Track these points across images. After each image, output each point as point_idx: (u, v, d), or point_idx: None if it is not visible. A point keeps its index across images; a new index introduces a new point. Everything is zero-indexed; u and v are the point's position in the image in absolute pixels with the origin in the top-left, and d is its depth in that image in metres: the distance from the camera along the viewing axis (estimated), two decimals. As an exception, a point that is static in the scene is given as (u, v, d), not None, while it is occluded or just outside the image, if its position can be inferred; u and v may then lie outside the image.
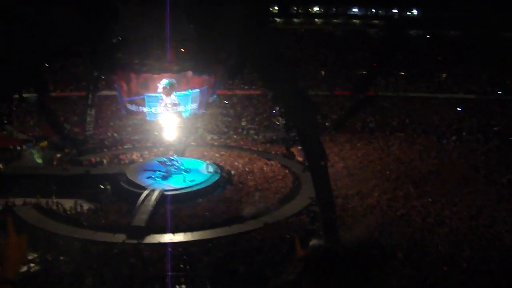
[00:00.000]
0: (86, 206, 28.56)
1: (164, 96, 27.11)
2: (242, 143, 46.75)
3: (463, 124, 47.68)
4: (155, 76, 26.48)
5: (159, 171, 33.65)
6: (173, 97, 27.28)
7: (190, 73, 26.61)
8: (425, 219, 25.05)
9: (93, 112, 45.79)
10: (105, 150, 44.03)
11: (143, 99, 27.34)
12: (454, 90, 53.39)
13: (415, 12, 70.60)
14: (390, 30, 63.15)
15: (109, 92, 49.70)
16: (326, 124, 49.48)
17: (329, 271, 2.07)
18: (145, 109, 27.73)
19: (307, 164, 22.45)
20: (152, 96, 27.01)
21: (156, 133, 46.05)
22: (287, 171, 35.12)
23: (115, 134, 49.61)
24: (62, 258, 20.28)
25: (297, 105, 21.13)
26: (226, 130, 51.47)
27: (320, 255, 2.15)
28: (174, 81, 26.53)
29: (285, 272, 2.14)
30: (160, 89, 26.66)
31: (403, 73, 55.60)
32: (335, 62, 58.95)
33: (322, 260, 2.12)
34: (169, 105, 27.46)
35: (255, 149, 43.60)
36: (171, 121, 32.08)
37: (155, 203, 26.51)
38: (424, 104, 51.68)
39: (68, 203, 28.62)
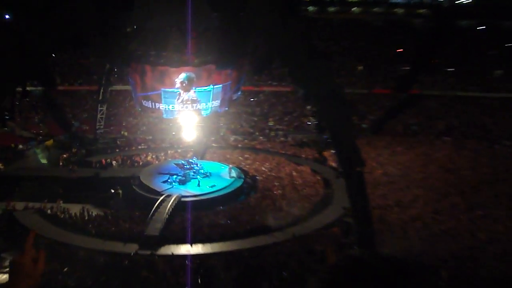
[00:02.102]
0: (94, 212, 29.02)
1: (182, 92, 27.36)
2: (269, 145, 47.02)
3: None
4: (173, 69, 26.57)
5: (176, 175, 34.06)
6: (193, 93, 27.47)
7: (212, 66, 26.74)
8: (475, 235, 24.32)
9: (104, 108, 46.61)
10: (117, 150, 44.86)
11: (159, 95, 27.59)
12: (510, 89, 52.14)
13: (466, -1, 68.80)
14: (438, 20, 62.18)
15: (122, 86, 50.57)
16: (363, 125, 49.29)
17: (359, 282, 2.06)
18: (162, 106, 27.96)
19: (341, 170, 22.35)
20: (169, 92, 27.23)
21: (174, 133, 46.63)
22: (318, 177, 35.12)
23: (127, 134, 50.52)
24: (66, 269, 20.25)
25: (331, 104, 21.09)
26: (251, 130, 51.78)
27: (352, 264, 2.15)
28: (193, 75, 26.69)
29: (311, 280, 2.13)
30: (178, 84, 26.90)
31: (452, 70, 54.79)
32: (375, 56, 58.64)
33: (353, 270, 2.11)
34: (188, 102, 27.67)
35: (283, 152, 43.74)
36: (190, 120, 32.38)
37: (171, 210, 26.82)
38: (475, 105, 50.81)
39: (75, 209, 29.09)
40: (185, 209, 27.50)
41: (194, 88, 27.23)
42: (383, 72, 56.37)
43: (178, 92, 27.27)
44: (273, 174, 36.23)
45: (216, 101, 28.97)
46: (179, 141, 43.17)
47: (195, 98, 27.70)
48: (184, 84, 26.89)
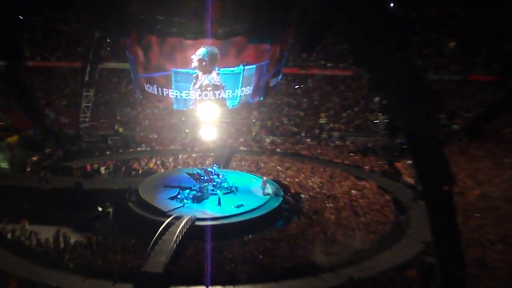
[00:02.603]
0: (73, 239, 29.25)
1: (201, 74, 27.51)
2: (319, 151, 47.20)
3: None
4: (189, 42, 26.58)
5: (190, 189, 34.49)
6: (215, 76, 27.51)
7: (242, 39, 26.81)
8: None
9: (91, 94, 47.37)
10: (108, 153, 45.65)
11: (168, 78, 27.80)
12: None
13: None
14: None
15: (116, 64, 51.44)
16: (454, 126, 48.81)
17: None
18: (172, 93, 28.27)
19: (420, 188, 22.26)
20: (183, 73, 27.41)
21: (187, 131, 47.14)
22: (388, 197, 35.01)
23: (122, 130, 51.24)
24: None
25: (409, 95, 21.02)
26: (295, 130, 52.10)
27: None
28: (217, 51, 26.82)
29: None
30: (195, 63, 27.06)
31: None
32: (474, 28, 57.71)
33: None
34: (208, 88, 27.83)
35: (339, 161, 43.81)
36: (211, 113, 32.31)
37: (181, 238, 27.09)
38: None
39: (46, 233, 29.23)
40: (201, 237, 27.64)
41: (217, 69, 27.43)
42: (485, 51, 55.54)
43: (194, 74, 27.35)
44: (325, 191, 36.27)
45: (248, 87, 29.02)
46: (195, 142, 43.69)
47: (219, 83, 27.70)
48: (203, 63, 26.87)
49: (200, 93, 27.86)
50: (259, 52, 28.02)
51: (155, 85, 28.63)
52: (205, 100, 28.19)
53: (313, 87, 57.20)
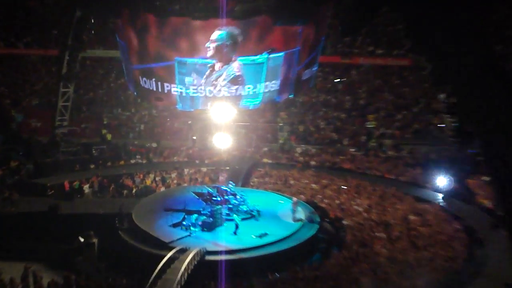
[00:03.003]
0: (47, 278, 29.11)
1: (219, 65, 27.61)
2: (366, 164, 47.30)
3: None
4: (197, 23, 26.74)
5: (198, 213, 34.54)
6: (236, 66, 27.62)
7: (265, 19, 26.92)
8: None
9: (70, 90, 47.50)
10: (92, 166, 45.87)
11: (170, 69, 28.11)
12: None
13: None
14: None
15: (103, 52, 51.71)
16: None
17: None
18: (174, 89, 28.52)
19: (500, 213, 22.17)
20: (190, 64, 27.66)
21: (195, 138, 47.21)
22: (457, 225, 34.84)
23: (111, 137, 51.51)
24: None
25: (485, 90, 20.94)
26: (334, 136, 52.10)
27: None
28: (238, 31, 26.79)
29: None
30: (211, 51, 27.02)
31: None
32: None
33: None
34: (223, 82, 27.96)
35: (393, 177, 43.68)
36: (226, 115, 32.49)
37: (187, 277, 27.09)
38: None
39: (12, 271, 29.11)
40: (213, 276, 27.59)
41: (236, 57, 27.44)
42: None
43: (210, 65, 27.57)
44: (374, 217, 36.16)
45: (273, 82, 29.11)
46: (204, 152, 43.68)
47: (237, 75, 27.82)
48: (219, 50, 26.89)
49: (213, 89, 27.88)
50: (288, 35, 28.10)
51: (153, 79, 28.85)
52: (219, 98, 28.19)
53: (358, 80, 57.28)
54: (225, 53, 26.55)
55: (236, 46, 26.46)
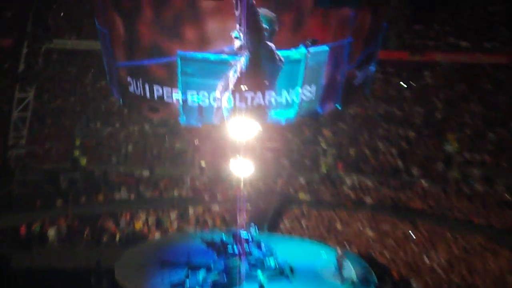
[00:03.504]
0: None
1: (240, 62, 27.41)
2: (444, 202, 46.92)
3: None
4: (208, 2, 26.65)
5: (207, 268, 34.53)
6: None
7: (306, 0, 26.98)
8: None
9: (30, 95, 47.71)
10: (60, 202, 45.88)
11: (170, 68, 28.01)
12: None
13: None
14: None
15: (76, 43, 52.04)
16: None
17: None
18: (176, 96, 28.61)
19: None
20: (199, 61, 27.64)
21: (203, 165, 47.35)
22: None
23: (86, 161, 51.68)
24: None
25: None
26: (399, 164, 51.97)
27: None
28: (272, 14, 26.37)
29: None
30: (238, 42, 26.73)
31: None
32: None
33: None
34: (243, 87, 27.76)
35: (484, 222, 43.48)
36: (247, 133, 32.31)
37: None
38: None
39: None
40: None
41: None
42: None
43: (232, 61, 27.47)
44: (456, 278, 36.13)
45: (314, 86, 29.12)
46: (217, 184, 43.85)
47: (268, 77, 27.57)
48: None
49: (232, 96, 27.64)
50: (335, 21, 27.98)
51: (146, 82, 28.80)
52: (239, 110, 27.93)
53: (434, 85, 57.25)
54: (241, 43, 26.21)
55: (272, 35, 25.91)
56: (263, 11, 25.48)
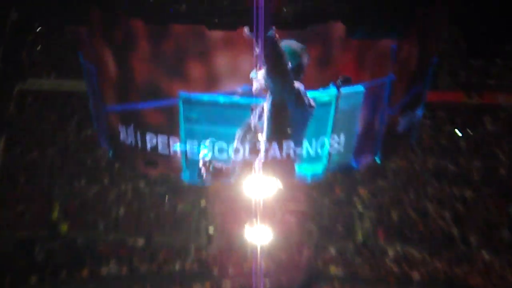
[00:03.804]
0: None
1: (262, 106, 27.01)
2: (510, 278, 46.60)
3: None
4: (217, 34, 26.67)
5: None
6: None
7: (336, 29, 26.93)
8: None
9: (0, 145, 47.77)
10: (34, 279, 45.89)
11: (170, 111, 28.20)
12: None
13: None
14: None
15: (57, 83, 52.38)
16: None
17: None
18: (179, 148, 28.54)
19: None
20: (205, 104, 27.66)
21: (212, 232, 47.35)
22: None
23: (66, 228, 51.75)
24: None
25: None
26: (454, 230, 51.77)
27: None
28: (300, 46, 25.95)
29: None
30: (257, 84, 26.30)
31: None
32: None
33: None
34: (264, 136, 27.51)
35: None
36: (266, 192, 32.03)
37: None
38: None
39: None
40: None
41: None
42: None
43: (244, 105, 26.98)
44: None
45: (345, 134, 29.03)
46: (228, 256, 43.94)
47: (291, 124, 27.28)
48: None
49: (253, 147, 27.35)
50: (373, 56, 28.01)
51: (140, 130, 28.82)
52: (257, 165, 27.65)
53: (496, 133, 57.22)
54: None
55: (300, 73, 25.27)
56: (288, 43, 25.47)
